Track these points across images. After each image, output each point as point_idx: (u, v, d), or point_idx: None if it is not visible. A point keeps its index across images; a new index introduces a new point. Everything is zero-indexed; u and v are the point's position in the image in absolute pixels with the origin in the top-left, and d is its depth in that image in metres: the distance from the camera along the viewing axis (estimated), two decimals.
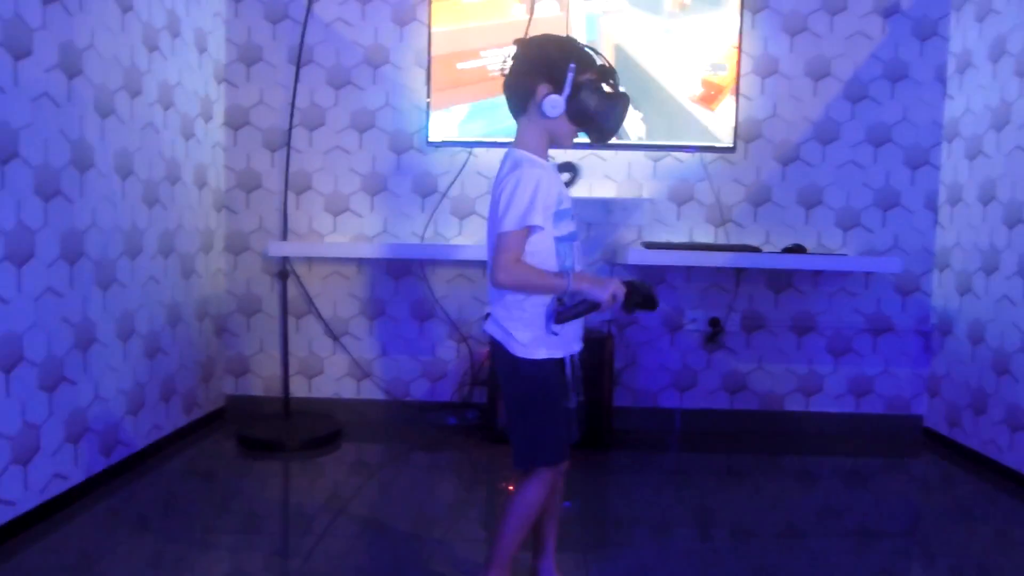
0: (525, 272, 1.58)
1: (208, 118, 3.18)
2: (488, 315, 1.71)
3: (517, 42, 1.66)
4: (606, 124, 1.62)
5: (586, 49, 1.62)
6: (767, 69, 3.28)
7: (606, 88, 1.62)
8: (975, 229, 3.05)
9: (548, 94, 1.57)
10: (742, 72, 3.19)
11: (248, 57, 3.31)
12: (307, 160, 3.34)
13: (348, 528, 2.23)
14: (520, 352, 1.63)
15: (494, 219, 1.60)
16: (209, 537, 2.16)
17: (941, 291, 3.29)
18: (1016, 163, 2.80)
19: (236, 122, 3.33)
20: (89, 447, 2.42)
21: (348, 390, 3.43)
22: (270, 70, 3.31)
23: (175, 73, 2.89)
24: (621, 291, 1.59)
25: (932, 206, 3.32)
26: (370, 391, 3.43)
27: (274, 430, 3.09)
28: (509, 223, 1.55)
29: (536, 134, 1.65)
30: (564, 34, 1.75)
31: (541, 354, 1.63)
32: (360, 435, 3.19)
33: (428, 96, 3.16)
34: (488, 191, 3.31)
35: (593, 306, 1.59)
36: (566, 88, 1.56)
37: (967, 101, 3.13)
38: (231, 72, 3.32)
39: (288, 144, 3.27)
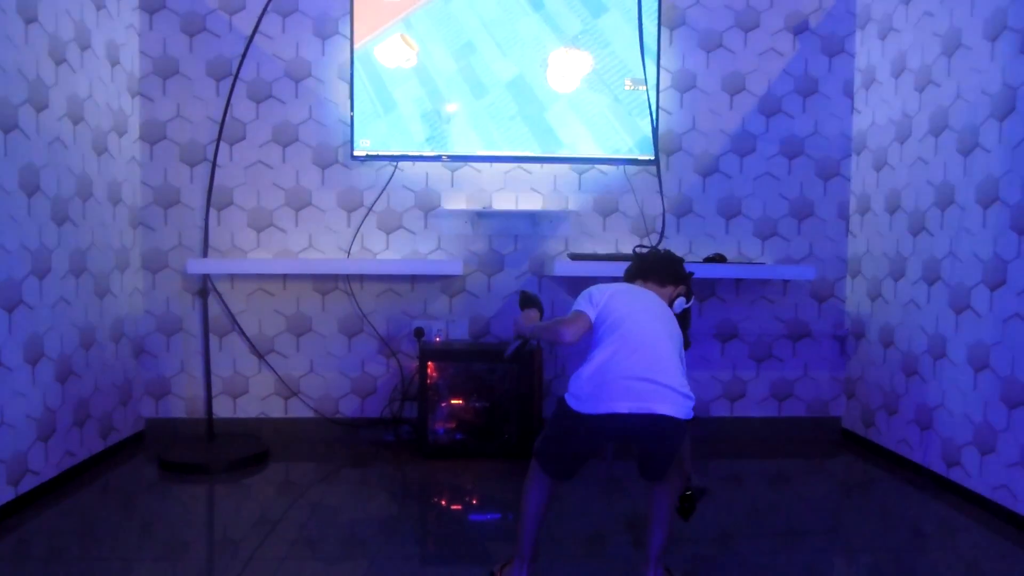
0: None
1: (122, 132, 3.08)
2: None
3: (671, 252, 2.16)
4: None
5: None
6: (685, 84, 3.37)
7: None
8: (883, 237, 3.19)
9: (682, 295, 2.05)
10: (661, 87, 3.27)
11: (164, 70, 3.22)
12: (228, 175, 3.26)
13: (277, 550, 2.18)
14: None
15: (672, 337, 1.87)
16: (130, 566, 2.07)
17: (854, 297, 3.43)
18: (917, 174, 2.95)
19: (152, 136, 3.24)
20: None
21: (275, 409, 3.35)
22: (187, 83, 3.23)
23: (85, 86, 2.79)
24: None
25: (844, 215, 3.47)
26: (298, 409, 3.36)
27: (197, 452, 3.00)
28: None
29: None
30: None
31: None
32: (288, 454, 3.12)
33: (352, 110, 3.14)
34: (415, 204, 3.32)
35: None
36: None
37: (873, 115, 3.28)
38: (146, 85, 3.22)
39: (214, 159, 3.19)
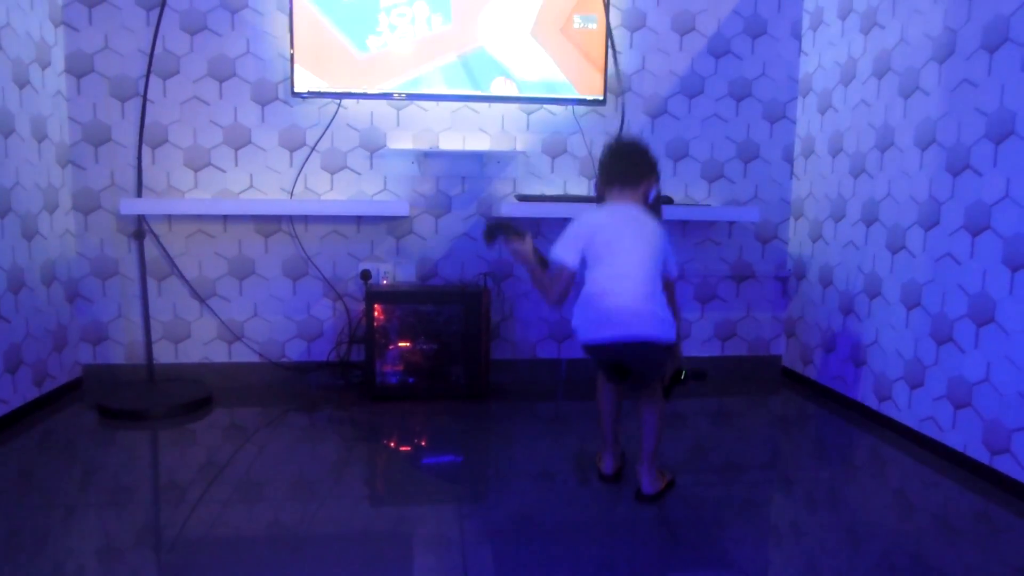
0: None
1: (45, 64, 2.91)
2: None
3: (632, 140, 2.20)
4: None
5: None
6: (635, 23, 3.33)
7: None
8: (825, 179, 3.25)
9: (654, 185, 2.15)
10: (611, 25, 3.22)
11: None
12: (162, 111, 3.12)
13: (224, 493, 2.16)
14: None
15: (653, 257, 2.03)
16: (73, 512, 2.03)
17: (796, 238, 3.50)
18: (860, 116, 2.99)
19: (79, 69, 3.07)
20: None
21: (219, 354, 3.29)
22: (115, 12, 3.05)
23: (2, 13, 2.61)
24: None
25: (788, 158, 3.51)
26: (243, 354, 3.30)
27: (138, 398, 2.94)
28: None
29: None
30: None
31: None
32: (233, 399, 3.08)
33: (292, 45, 3.02)
34: (360, 144, 3.23)
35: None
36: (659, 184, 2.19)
37: (819, 57, 3.30)
38: (70, 14, 3.03)
39: (144, 94, 3.05)
